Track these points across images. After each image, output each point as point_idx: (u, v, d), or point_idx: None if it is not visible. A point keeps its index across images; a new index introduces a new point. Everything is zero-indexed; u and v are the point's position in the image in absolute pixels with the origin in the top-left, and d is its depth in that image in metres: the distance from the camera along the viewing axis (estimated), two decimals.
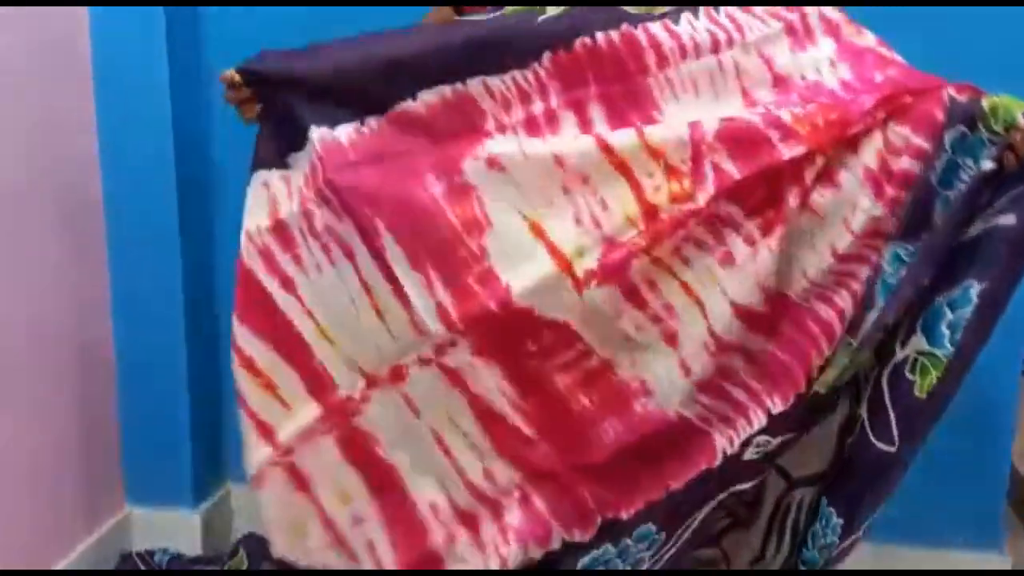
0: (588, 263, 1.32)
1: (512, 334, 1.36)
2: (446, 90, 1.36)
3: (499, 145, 1.34)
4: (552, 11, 1.36)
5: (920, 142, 1.28)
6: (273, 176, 1.42)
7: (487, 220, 1.34)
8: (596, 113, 1.35)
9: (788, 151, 1.27)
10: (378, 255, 1.37)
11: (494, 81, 1.35)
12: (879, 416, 1.35)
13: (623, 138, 1.32)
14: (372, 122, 1.38)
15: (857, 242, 1.30)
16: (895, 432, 1.33)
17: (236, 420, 2.12)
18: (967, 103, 1.28)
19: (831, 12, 1.38)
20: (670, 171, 1.30)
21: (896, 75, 1.34)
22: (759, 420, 1.36)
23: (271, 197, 1.42)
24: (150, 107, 1.95)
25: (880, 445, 1.34)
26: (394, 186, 1.36)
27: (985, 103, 1.27)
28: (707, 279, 1.33)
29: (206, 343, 2.10)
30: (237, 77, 1.40)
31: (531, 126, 1.35)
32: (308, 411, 1.44)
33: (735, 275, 1.32)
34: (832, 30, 1.37)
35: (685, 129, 1.30)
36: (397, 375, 1.41)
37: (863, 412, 1.37)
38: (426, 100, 1.36)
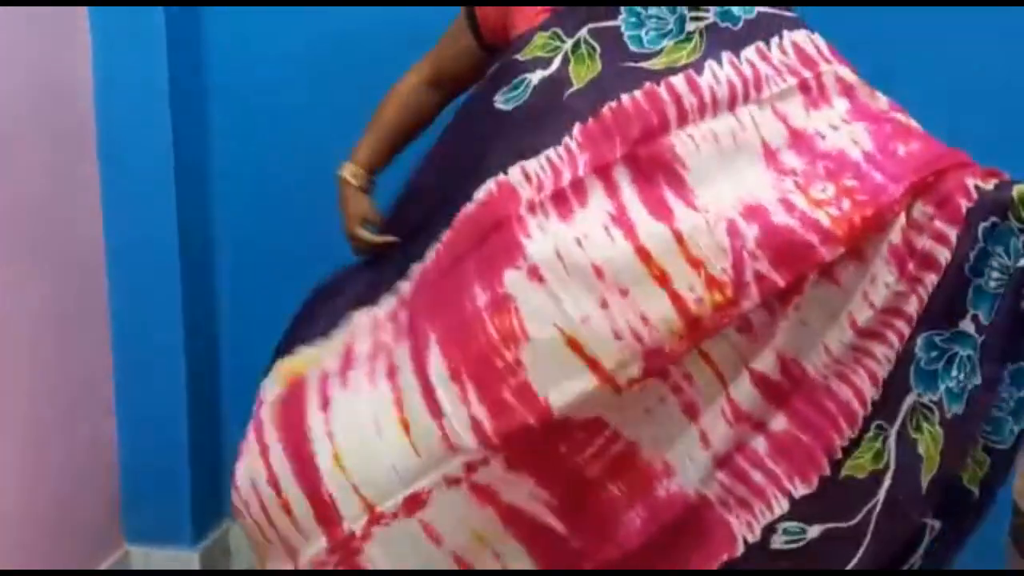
0: (631, 373, 1.30)
1: (547, 443, 1.34)
2: (491, 184, 1.39)
3: (538, 250, 1.33)
4: (576, 80, 1.37)
5: (942, 226, 1.28)
6: (362, 313, 1.54)
7: (524, 333, 1.32)
8: (622, 177, 1.33)
9: (829, 252, 1.27)
10: (421, 367, 1.38)
11: (531, 165, 1.37)
12: None
13: (660, 240, 1.29)
14: (443, 235, 1.44)
15: (877, 317, 1.29)
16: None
17: (234, 459, 2.15)
18: (996, 194, 1.28)
19: (846, 73, 1.38)
20: (711, 281, 1.28)
21: (917, 150, 1.33)
22: (780, 505, 1.34)
23: (351, 331, 1.53)
24: (149, 106, 1.95)
25: (914, 515, 1.33)
26: (448, 297, 1.40)
27: (1015, 193, 1.26)
28: (725, 346, 1.32)
29: (206, 381, 2.11)
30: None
31: (559, 201, 1.34)
32: (318, 542, 1.44)
33: (753, 341, 1.32)
34: (846, 90, 1.37)
35: (724, 237, 1.28)
36: (415, 502, 1.38)
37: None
38: (478, 199, 1.40)
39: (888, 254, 1.29)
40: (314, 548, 1.44)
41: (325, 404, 1.45)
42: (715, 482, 1.35)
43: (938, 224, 1.28)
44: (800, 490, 1.33)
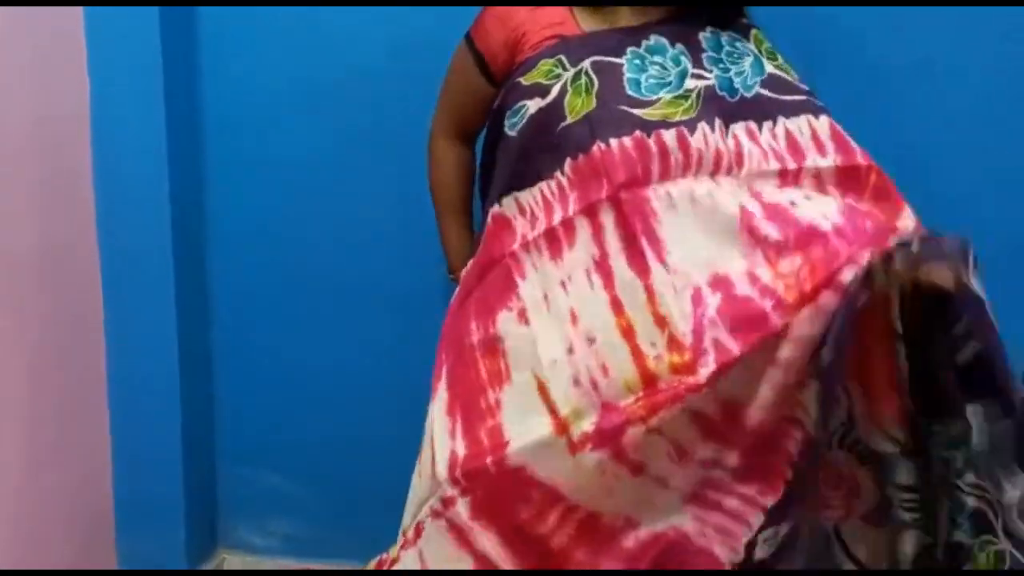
0: (584, 426, 1.31)
1: (506, 498, 1.36)
2: (487, 217, 1.47)
3: (529, 292, 1.39)
4: (570, 112, 1.38)
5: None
6: None
7: (507, 374, 1.39)
8: (607, 218, 1.35)
9: (780, 319, 1.26)
10: (435, 395, 1.46)
11: (525, 196, 1.42)
12: None
13: (632, 293, 1.32)
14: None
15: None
16: None
17: (229, 488, 2.15)
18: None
19: (826, 172, 1.38)
20: (672, 341, 1.29)
21: (883, 223, 1.33)
22: (758, 520, 1.35)
23: None
24: (145, 106, 1.89)
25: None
26: (455, 330, 1.48)
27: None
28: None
29: (201, 410, 2.11)
30: None
31: (551, 240, 1.39)
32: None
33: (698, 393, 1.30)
34: (819, 185, 1.39)
35: (688, 304, 1.30)
36: (417, 531, 1.45)
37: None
38: (476, 231, 1.51)
39: None
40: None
41: None
42: (687, 516, 1.35)
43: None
44: (770, 501, 1.35)
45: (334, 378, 2.08)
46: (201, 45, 1.96)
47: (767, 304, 1.27)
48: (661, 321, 1.31)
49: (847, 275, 1.25)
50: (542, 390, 1.35)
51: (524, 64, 1.44)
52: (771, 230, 1.31)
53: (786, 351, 1.27)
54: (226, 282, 2.07)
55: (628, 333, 1.32)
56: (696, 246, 1.32)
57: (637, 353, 1.31)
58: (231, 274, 2.07)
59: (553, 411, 1.34)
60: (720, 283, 1.30)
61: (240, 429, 2.14)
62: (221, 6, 1.93)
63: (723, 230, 1.32)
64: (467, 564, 1.39)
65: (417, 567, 1.44)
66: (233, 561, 2.19)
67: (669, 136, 1.35)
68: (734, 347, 1.27)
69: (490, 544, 1.38)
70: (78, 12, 1.85)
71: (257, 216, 2.03)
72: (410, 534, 1.46)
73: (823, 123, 1.40)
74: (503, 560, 1.38)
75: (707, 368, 1.27)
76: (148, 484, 2.06)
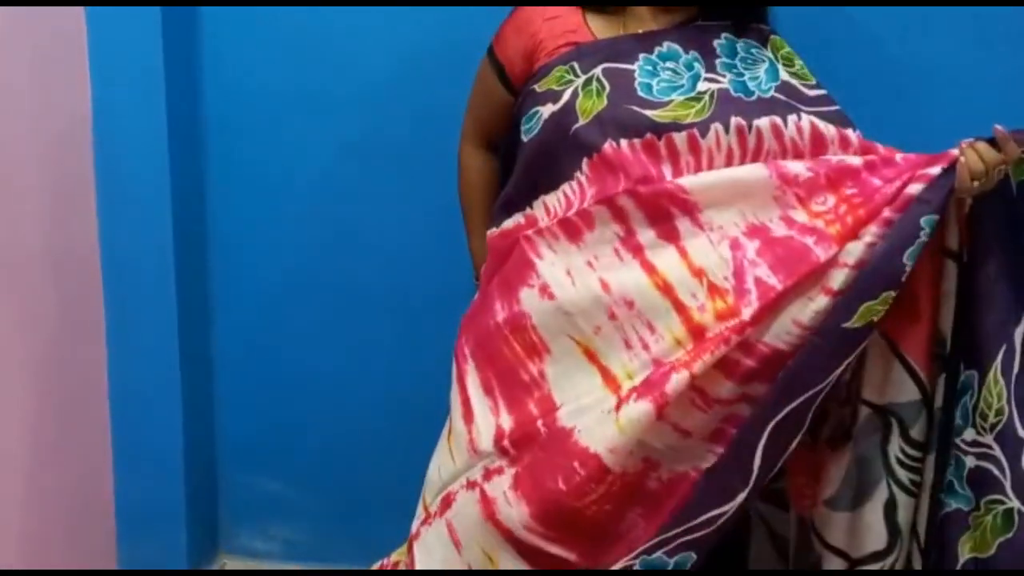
0: (635, 382, 1.35)
1: (550, 465, 1.38)
2: (520, 217, 1.50)
3: (548, 269, 1.41)
4: (582, 114, 1.40)
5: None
6: None
7: (545, 346, 1.41)
8: (627, 203, 1.37)
9: (824, 252, 1.30)
10: (461, 377, 1.50)
11: (550, 199, 1.45)
12: None
13: (665, 256, 1.36)
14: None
15: (851, 274, 1.31)
16: None
17: (230, 492, 2.15)
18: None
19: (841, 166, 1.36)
20: (712, 289, 1.32)
21: (914, 156, 1.35)
22: None
23: None
24: (147, 108, 1.88)
25: None
26: (476, 314, 1.51)
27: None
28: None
29: (202, 414, 2.10)
30: None
31: (567, 226, 1.41)
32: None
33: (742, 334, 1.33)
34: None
35: (727, 251, 1.33)
36: (446, 502, 1.47)
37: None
38: (505, 227, 1.51)
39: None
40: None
41: None
42: (711, 455, 1.36)
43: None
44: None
45: (335, 382, 2.08)
46: (203, 46, 1.95)
47: (808, 240, 1.31)
48: (698, 273, 1.34)
49: (914, 188, 1.29)
50: (590, 355, 1.38)
51: (539, 71, 1.47)
52: (800, 169, 1.34)
53: (840, 279, 1.29)
54: (227, 286, 2.07)
55: (666, 289, 1.34)
56: (727, 201, 1.34)
57: (680, 307, 1.33)
58: (232, 278, 2.06)
59: (606, 372, 1.37)
60: (756, 231, 1.33)
61: (241, 433, 2.14)
62: (223, 7, 1.92)
63: (752, 178, 1.34)
64: (493, 537, 1.41)
65: (445, 538, 1.46)
66: (234, 565, 2.18)
67: (680, 139, 1.37)
68: (777, 283, 1.30)
69: (520, 519, 1.39)
70: (80, 12, 1.84)
71: (258, 220, 2.02)
72: (434, 508, 1.49)
73: (849, 130, 1.40)
74: (530, 535, 1.39)
75: (750, 308, 1.30)
76: (149, 488, 2.05)
